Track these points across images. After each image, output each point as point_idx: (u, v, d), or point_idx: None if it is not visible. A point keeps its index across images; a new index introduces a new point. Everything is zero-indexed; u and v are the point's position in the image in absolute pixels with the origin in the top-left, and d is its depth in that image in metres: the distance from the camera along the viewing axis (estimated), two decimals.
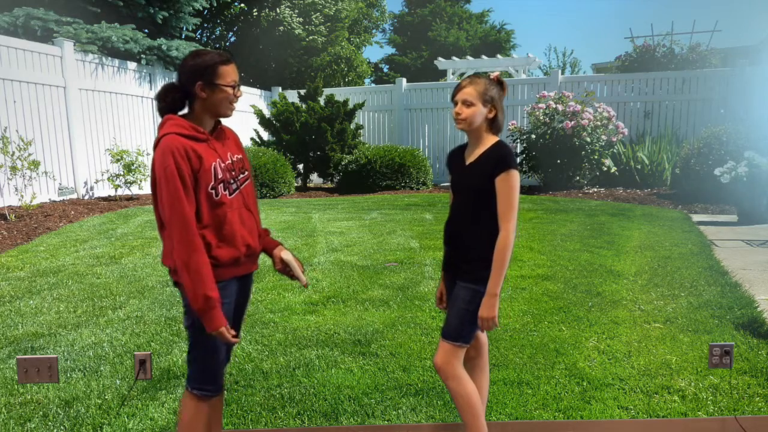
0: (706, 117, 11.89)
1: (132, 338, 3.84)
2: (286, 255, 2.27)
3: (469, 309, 2.28)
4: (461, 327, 2.30)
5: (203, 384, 2.17)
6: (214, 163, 2.07)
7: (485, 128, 2.29)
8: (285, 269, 2.29)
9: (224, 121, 2.23)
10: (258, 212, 2.29)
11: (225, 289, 2.09)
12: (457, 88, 2.28)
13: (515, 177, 2.21)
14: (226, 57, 2.08)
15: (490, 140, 2.31)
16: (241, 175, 2.19)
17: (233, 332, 2.09)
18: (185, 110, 2.12)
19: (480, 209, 2.27)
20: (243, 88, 14.20)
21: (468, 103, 2.24)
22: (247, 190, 2.22)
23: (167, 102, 2.08)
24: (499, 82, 2.31)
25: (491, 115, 2.28)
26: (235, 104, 2.13)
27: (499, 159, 2.23)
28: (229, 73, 2.07)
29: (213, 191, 2.06)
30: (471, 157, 2.32)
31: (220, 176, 2.08)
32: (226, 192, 2.10)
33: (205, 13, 16.38)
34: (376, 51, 68.10)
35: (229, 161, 2.15)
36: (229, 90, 2.07)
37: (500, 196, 2.21)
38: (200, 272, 1.99)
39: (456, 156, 2.42)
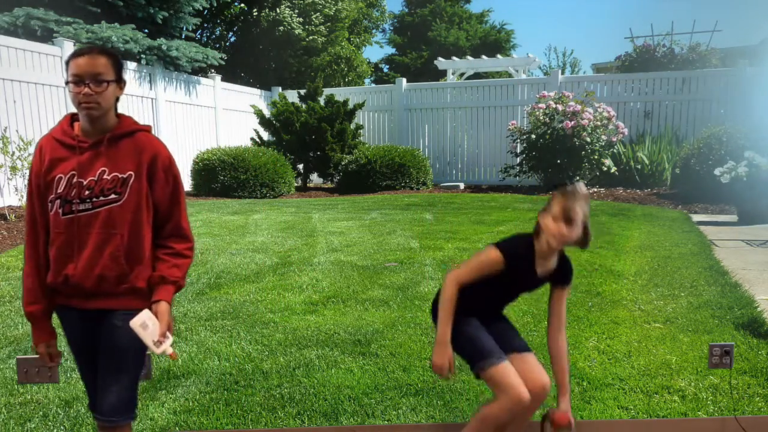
0: (706, 117, 11.88)
1: None
2: (136, 320, 1.87)
3: None
4: None
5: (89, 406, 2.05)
6: (60, 175, 1.87)
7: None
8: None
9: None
10: (132, 247, 1.91)
11: (60, 313, 2.01)
12: (575, 215, 2.10)
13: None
14: (79, 50, 1.87)
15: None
16: (101, 197, 1.87)
17: (56, 360, 2.03)
18: None
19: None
20: (243, 88, 14.41)
21: (576, 224, 2.12)
22: (110, 218, 1.88)
23: None
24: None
25: (584, 236, 2.21)
26: (86, 102, 1.83)
27: (567, 273, 2.26)
28: (75, 65, 1.83)
29: (50, 204, 1.90)
30: (542, 269, 2.18)
31: (59, 191, 1.87)
32: (60, 210, 1.87)
33: (205, 13, 16.37)
34: (376, 51, 68.12)
35: (93, 178, 1.86)
36: (70, 87, 1.84)
37: (560, 306, 2.27)
38: (23, 283, 1.96)
39: (526, 264, 2.17)
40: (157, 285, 1.94)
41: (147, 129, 1.97)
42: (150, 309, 1.91)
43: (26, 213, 1.98)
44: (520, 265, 2.13)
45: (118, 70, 1.90)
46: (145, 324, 1.87)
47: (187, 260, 2.00)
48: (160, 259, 1.96)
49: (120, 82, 1.91)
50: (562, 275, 2.23)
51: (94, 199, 1.86)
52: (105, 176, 1.87)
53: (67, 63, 1.86)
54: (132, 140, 1.92)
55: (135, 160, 1.90)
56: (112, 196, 1.87)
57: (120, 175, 1.88)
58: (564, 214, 2.05)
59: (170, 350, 1.90)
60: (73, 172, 1.86)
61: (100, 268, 1.88)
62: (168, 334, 1.90)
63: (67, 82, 1.86)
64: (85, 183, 1.86)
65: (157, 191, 1.93)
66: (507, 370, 2.09)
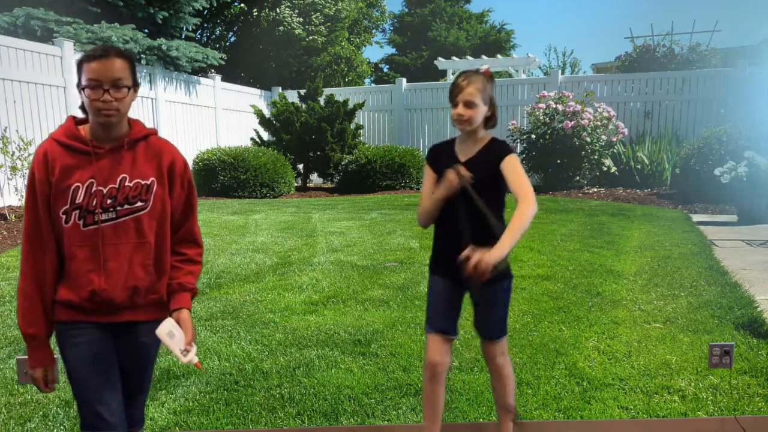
0: (706, 117, 11.88)
1: None
2: (162, 329, 1.82)
3: (509, 299, 2.37)
4: (506, 318, 2.40)
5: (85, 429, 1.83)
6: (78, 184, 1.75)
7: (482, 126, 2.29)
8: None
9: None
10: (159, 255, 1.86)
11: (73, 329, 1.81)
12: (457, 89, 2.23)
13: (517, 158, 2.26)
14: (94, 52, 1.74)
15: (486, 137, 2.32)
16: (126, 206, 1.79)
17: (52, 385, 1.86)
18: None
19: (489, 201, 2.25)
20: (243, 88, 14.41)
21: (471, 104, 2.21)
22: (138, 227, 1.81)
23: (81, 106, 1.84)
24: (491, 77, 2.30)
25: (489, 114, 2.28)
26: (105, 109, 1.73)
27: (500, 149, 2.26)
28: (91, 70, 1.71)
29: (64, 216, 1.75)
30: (466, 155, 2.30)
31: (78, 201, 1.75)
32: (81, 222, 1.75)
33: (205, 13, 16.37)
34: (376, 51, 68.15)
35: (114, 186, 1.78)
36: (87, 92, 1.72)
37: (512, 174, 2.19)
38: (20, 302, 1.79)
39: (444, 153, 2.37)
40: (176, 293, 1.89)
41: (155, 132, 1.91)
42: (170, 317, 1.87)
43: (27, 225, 1.80)
44: (440, 156, 2.36)
45: (134, 73, 1.81)
46: (172, 333, 1.83)
47: (199, 266, 1.96)
48: (174, 266, 1.90)
49: (136, 86, 1.81)
50: (495, 153, 2.25)
51: (119, 208, 1.78)
52: (126, 183, 1.78)
53: (80, 65, 1.74)
54: (147, 145, 1.85)
55: (155, 166, 1.83)
56: (138, 203, 1.80)
57: (142, 182, 1.81)
58: (456, 98, 2.23)
59: (196, 359, 1.84)
60: (92, 180, 1.75)
61: (132, 280, 1.80)
62: (192, 342, 1.85)
63: (82, 87, 1.73)
64: (105, 191, 1.76)
65: (174, 196, 1.88)
66: (432, 339, 2.36)
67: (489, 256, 2.01)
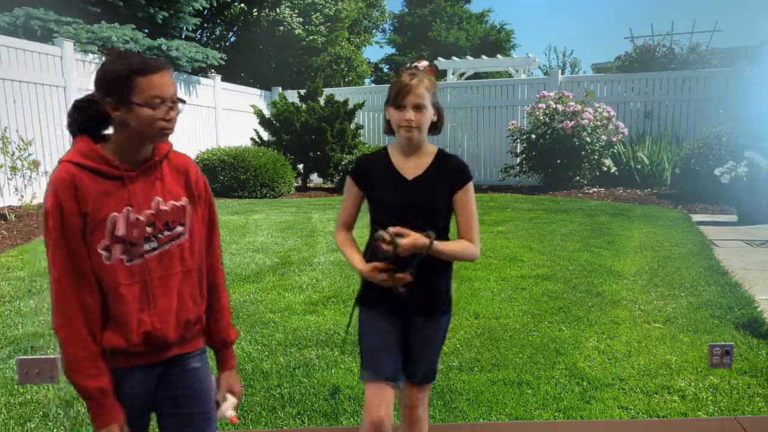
0: (706, 117, 11.87)
1: None
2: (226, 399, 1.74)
3: (442, 341, 2.08)
4: (437, 363, 2.09)
5: None
6: (114, 214, 1.52)
7: (425, 134, 1.97)
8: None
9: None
10: (201, 281, 1.69)
11: (118, 378, 1.58)
12: (405, 89, 1.89)
13: (472, 187, 2.01)
14: (146, 64, 1.50)
15: (432, 149, 2.00)
16: (166, 232, 1.59)
17: None
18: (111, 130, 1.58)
19: (435, 230, 1.92)
20: (243, 88, 14.42)
21: (422, 107, 1.89)
22: (182, 254, 1.62)
23: (76, 120, 1.57)
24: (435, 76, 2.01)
25: (436, 119, 1.98)
26: (168, 128, 1.55)
27: (458, 171, 1.96)
28: (150, 86, 1.50)
29: (105, 252, 1.52)
30: (413, 171, 1.97)
31: (120, 233, 1.52)
32: (125, 256, 1.53)
33: (205, 13, 16.37)
34: (376, 51, 68.23)
35: (151, 211, 1.57)
36: (148, 110, 1.50)
37: (466, 209, 1.96)
38: (75, 354, 1.50)
39: (380, 168, 2.00)
40: (222, 351, 1.78)
41: (171, 145, 1.72)
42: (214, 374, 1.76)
43: (63, 266, 1.49)
44: (374, 171, 2.00)
45: None
46: None
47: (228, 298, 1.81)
48: (216, 306, 1.74)
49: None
50: (451, 175, 1.96)
51: (160, 236, 1.58)
52: (162, 207, 1.58)
53: (127, 79, 1.49)
54: (168, 161, 1.64)
55: (182, 183, 1.65)
56: (179, 228, 1.61)
57: (177, 203, 1.61)
58: (404, 100, 1.90)
59: (231, 413, 1.76)
60: (128, 207, 1.54)
61: (185, 314, 1.62)
62: (228, 396, 1.76)
63: (140, 104, 1.50)
64: (143, 219, 1.56)
65: (200, 217, 1.70)
66: (372, 390, 1.94)
67: (424, 240, 1.84)
